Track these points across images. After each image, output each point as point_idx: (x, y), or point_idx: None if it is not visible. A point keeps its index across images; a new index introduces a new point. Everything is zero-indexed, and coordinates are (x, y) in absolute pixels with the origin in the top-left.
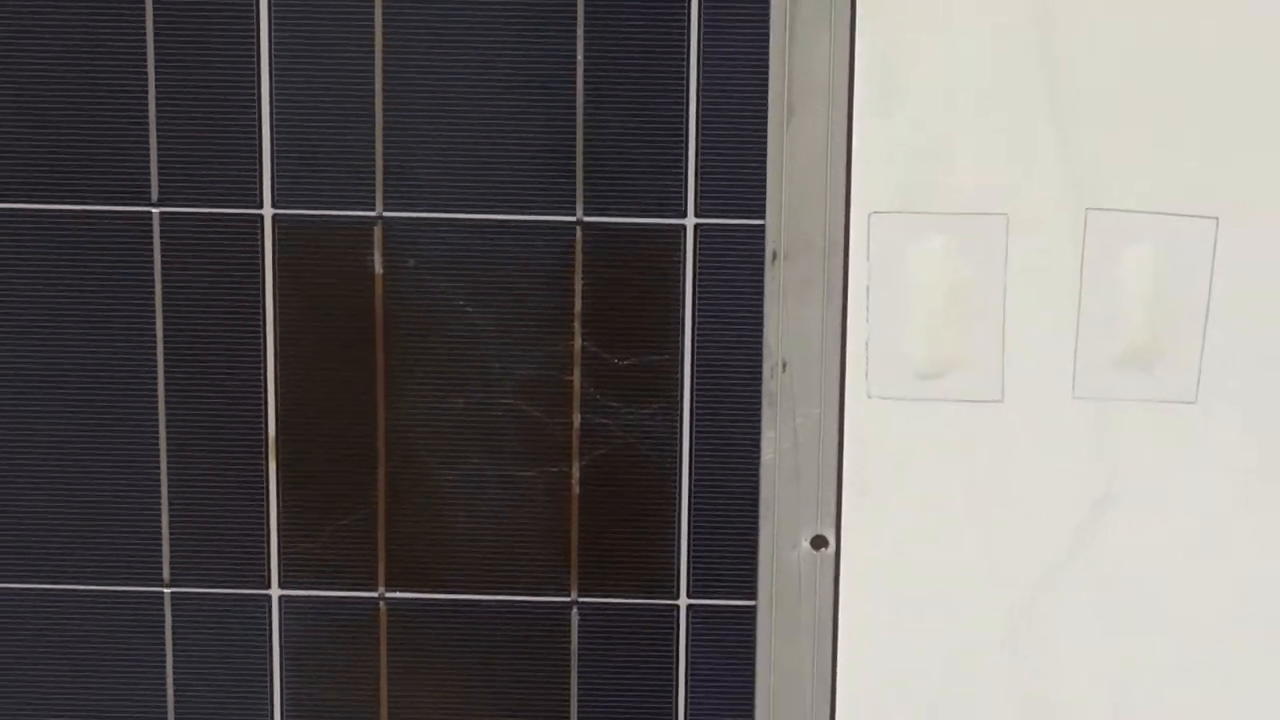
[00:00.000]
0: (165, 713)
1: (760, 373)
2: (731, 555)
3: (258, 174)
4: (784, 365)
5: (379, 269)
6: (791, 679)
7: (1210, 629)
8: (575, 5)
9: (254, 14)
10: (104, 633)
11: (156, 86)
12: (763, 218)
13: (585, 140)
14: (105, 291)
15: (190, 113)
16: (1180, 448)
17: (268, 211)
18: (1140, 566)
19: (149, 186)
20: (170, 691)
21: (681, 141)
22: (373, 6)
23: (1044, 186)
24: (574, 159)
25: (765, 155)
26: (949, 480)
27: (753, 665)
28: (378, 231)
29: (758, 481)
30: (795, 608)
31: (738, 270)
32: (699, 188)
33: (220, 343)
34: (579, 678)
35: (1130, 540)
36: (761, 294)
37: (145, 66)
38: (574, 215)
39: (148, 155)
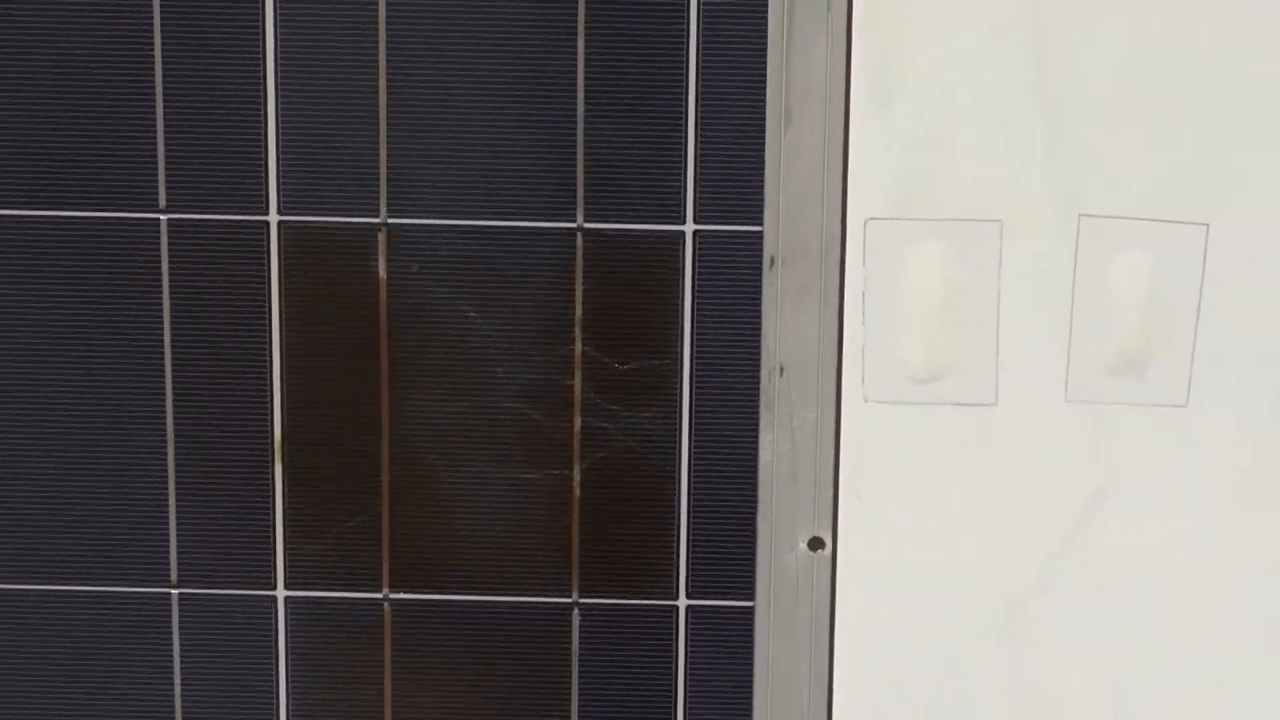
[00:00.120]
0: (173, 711)
1: (758, 377)
2: (730, 556)
3: (263, 181)
4: (782, 369)
5: (383, 275)
6: (789, 678)
7: (1206, 629)
8: (576, 15)
9: (260, 24)
10: (112, 633)
11: (164, 95)
12: (760, 224)
13: (586, 148)
14: (113, 297)
15: (197, 121)
16: (1175, 449)
17: (273, 218)
18: (1136, 567)
19: (156, 193)
20: (177, 690)
21: (680, 149)
22: (376, 17)
23: (1037, 193)
24: (574, 166)
25: (763, 163)
26: (945, 482)
27: (751, 665)
28: (382, 238)
29: (756, 484)
30: (793, 608)
31: (736, 276)
32: (698, 195)
33: (227, 347)
34: (580, 677)
35: (1126, 541)
36: (759, 299)
37: (153, 75)
38: (575, 222)
39: (155, 163)
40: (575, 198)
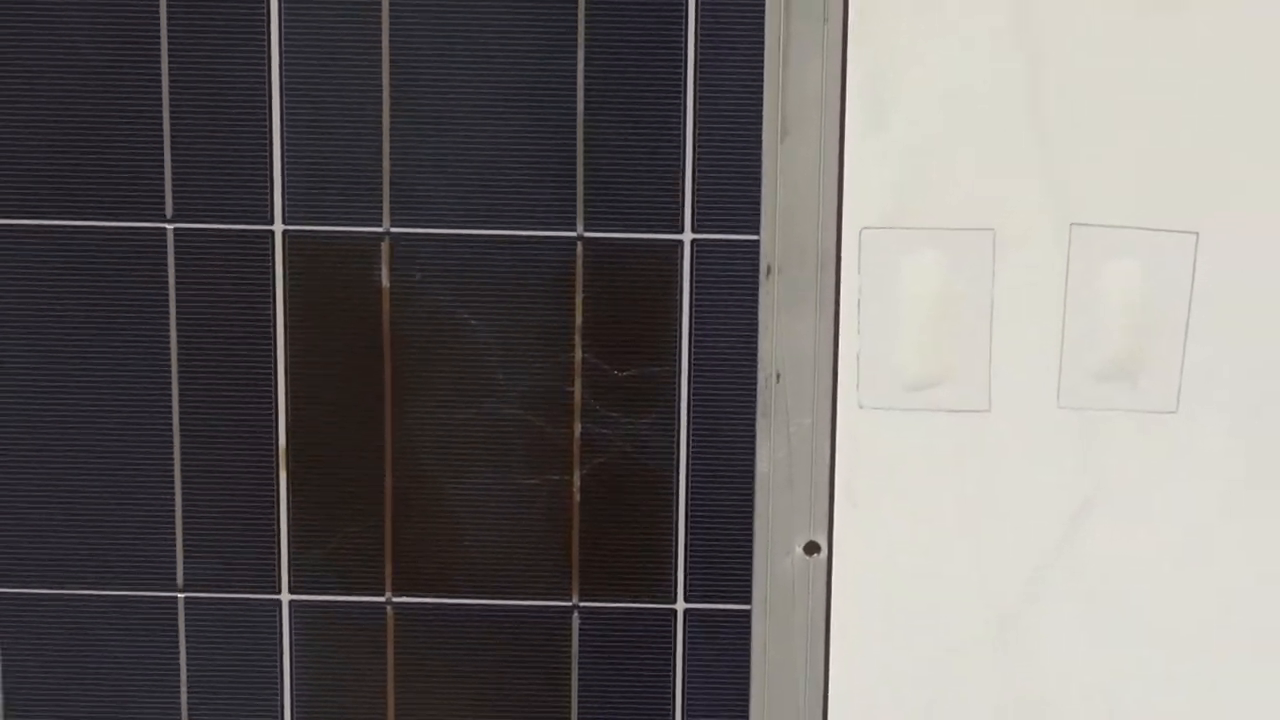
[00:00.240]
0: (179, 714)
1: (755, 384)
2: (727, 561)
3: (269, 191)
4: (778, 376)
5: (386, 283)
6: (785, 681)
7: (1197, 637)
8: (576, 29)
9: (265, 35)
10: (120, 636)
11: (170, 106)
12: (757, 233)
13: (586, 158)
14: (121, 305)
15: (203, 132)
16: (1166, 457)
17: (278, 228)
18: (1126, 574)
19: (163, 203)
20: (183, 693)
21: (679, 159)
22: (380, 29)
23: (1030, 202)
24: (575, 176)
25: (760, 173)
26: (938, 488)
27: (748, 667)
28: (385, 247)
29: (752, 489)
30: (789, 612)
31: (733, 284)
32: (696, 204)
33: (232, 355)
34: (579, 679)
35: (1116, 546)
36: (756, 307)
37: (160, 86)
38: (575, 231)
39: (162, 173)
40: (575, 207)
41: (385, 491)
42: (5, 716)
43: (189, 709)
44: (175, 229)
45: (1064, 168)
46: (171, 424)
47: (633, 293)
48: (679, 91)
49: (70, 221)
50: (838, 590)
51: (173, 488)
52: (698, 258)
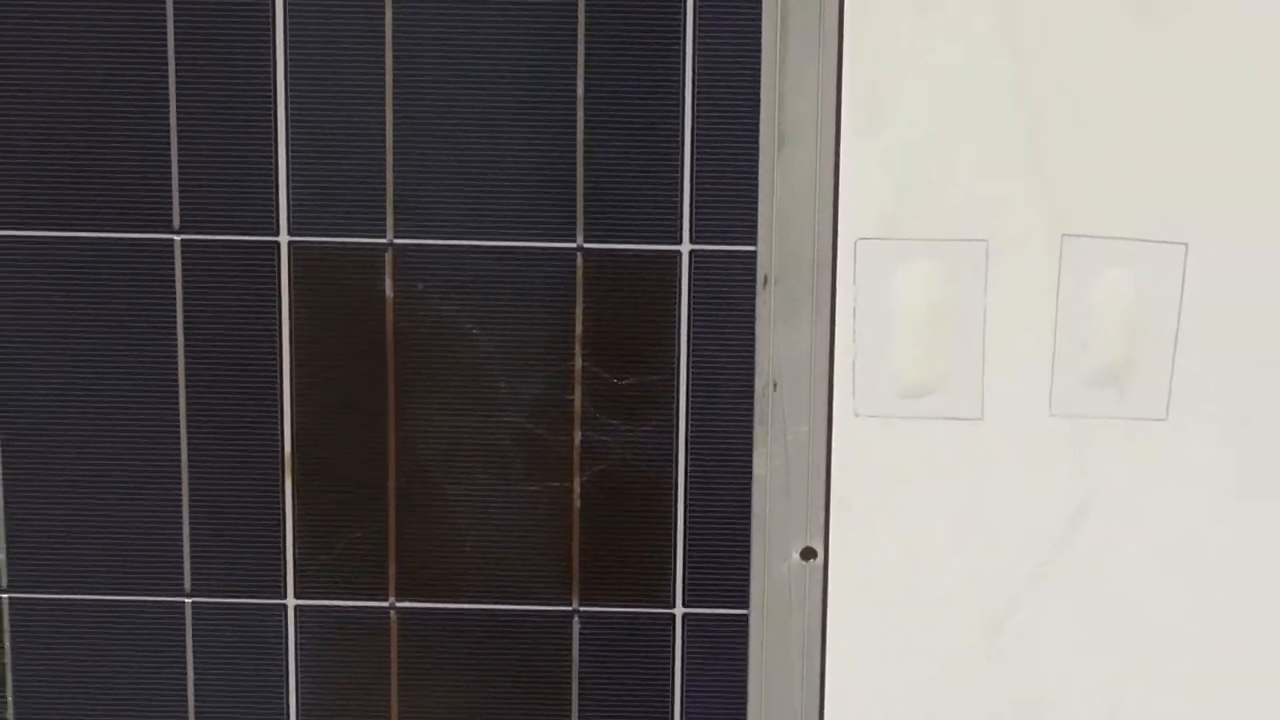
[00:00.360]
0: (186, 717)
1: (752, 392)
2: (725, 566)
3: (274, 203)
4: (775, 385)
5: (390, 293)
6: (781, 684)
7: (1190, 639)
8: (575, 43)
9: (270, 48)
10: (127, 641)
11: (177, 118)
12: (754, 244)
13: (586, 171)
14: (129, 315)
15: (210, 144)
16: (1156, 464)
17: (284, 239)
18: (1121, 576)
19: (170, 215)
20: (190, 696)
21: (677, 172)
22: (383, 45)
23: (1022, 213)
24: (575, 188)
25: (757, 184)
26: (933, 494)
27: (745, 671)
28: (388, 257)
29: (750, 495)
30: (785, 616)
31: (731, 294)
32: (694, 216)
33: (239, 364)
34: (579, 683)
35: (1109, 551)
36: (753, 317)
37: (167, 99)
38: (575, 242)
39: (169, 185)
40: (575, 219)
41: (389, 498)
42: (15, 719)
43: (195, 712)
44: (182, 240)
45: (1056, 178)
46: (179, 432)
47: (632, 303)
48: (677, 105)
49: (79, 233)
50: (834, 595)
51: (180, 493)
52: (696, 268)
